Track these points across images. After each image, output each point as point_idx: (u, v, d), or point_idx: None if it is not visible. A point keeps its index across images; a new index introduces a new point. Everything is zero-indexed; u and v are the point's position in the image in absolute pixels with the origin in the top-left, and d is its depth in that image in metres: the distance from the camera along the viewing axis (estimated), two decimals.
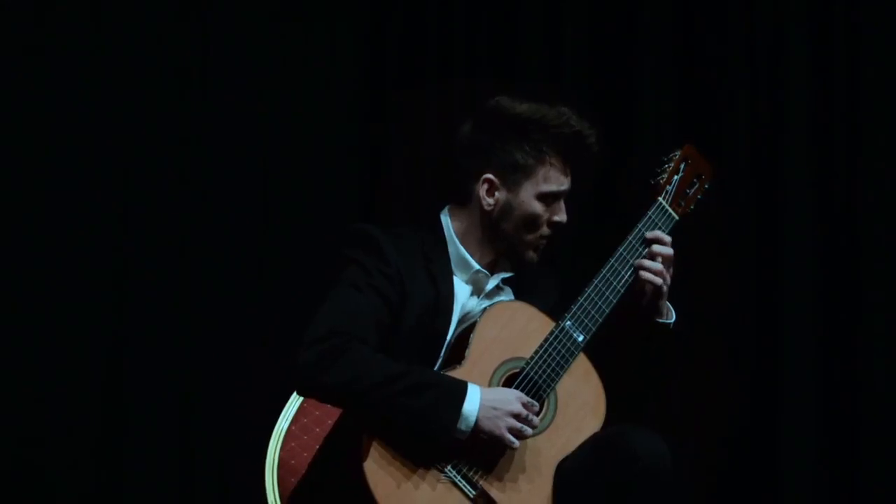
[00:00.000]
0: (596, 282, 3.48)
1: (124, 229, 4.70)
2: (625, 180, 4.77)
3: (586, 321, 3.45)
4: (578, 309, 3.46)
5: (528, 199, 3.49)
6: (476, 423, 3.29)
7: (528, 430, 3.34)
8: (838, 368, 4.90)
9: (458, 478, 3.32)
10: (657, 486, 3.29)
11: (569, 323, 3.45)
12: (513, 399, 3.34)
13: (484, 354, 3.41)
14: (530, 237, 3.52)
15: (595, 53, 4.97)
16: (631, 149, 4.89)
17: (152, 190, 4.71)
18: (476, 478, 3.33)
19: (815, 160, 4.93)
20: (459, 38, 4.95)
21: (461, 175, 3.54)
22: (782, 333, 4.91)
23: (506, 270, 3.57)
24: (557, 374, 3.41)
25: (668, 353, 3.58)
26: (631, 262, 3.51)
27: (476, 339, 3.42)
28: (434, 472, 3.31)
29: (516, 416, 3.32)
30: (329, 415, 3.60)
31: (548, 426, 3.40)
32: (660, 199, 3.58)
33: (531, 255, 3.54)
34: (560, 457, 3.39)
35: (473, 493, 3.32)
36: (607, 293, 3.48)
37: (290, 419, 3.69)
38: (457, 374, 3.37)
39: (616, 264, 3.50)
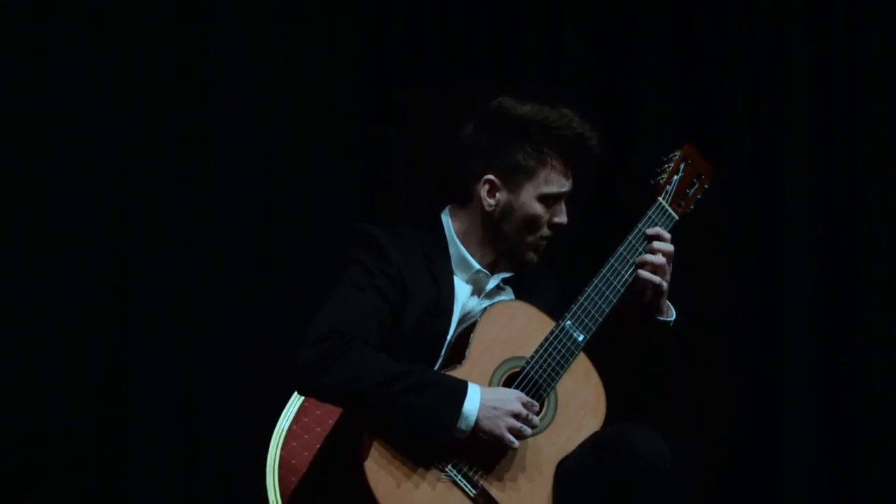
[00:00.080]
0: (596, 281, 3.49)
1: (125, 229, 4.70)
2: (625, 180, 4.77)
3: (586, 321, 3.46)
4: (578, 308, 3.46)
5: (529, 200, 3.49)
6: (476, 422, 3.29)
7: (528, 430, 3.34)
8: (838, 368, 4.90)
9: (459, 477, 3.33)
10: (657, 484, 3.30)
11: (569, 322, 3.45)
12: (513, 399, 3.34)
13: (484, 354, 3.42)
14: (531, 238, 3.52)
15: (595, 53, 4.97)
16: (631, 149, 4.89)
17: (153, 190, 4.71)
18: (476, 477, 3.34)
19: (815, 160, 4.93)
20: (459, 38, 4.95)
21: (462, 175, 3.54)
22: (782, 333, 4.91)
23: (506, 270, 3.57)
24: (558, 374, 3.42)
25: (668, 352, 3.58)
26: (631, 261, 3.51)
27: (476, 339, 3.42)
28: (434, 472, 3.31)
29: (516, 416, 3.32)
30: (330, 414, 3.60)
31: (548, 425, 3.41)
32: (660, 199, 3.58)
33: (531, 255, 3.54)
34: (560, 456, 3.39)
35: (474, 492, 3.33)
36: (607, 293, 3.49)
37: (291, 418, 3.69)
38: (457, 373, 3.37)
39: (616, 264, 3.51)
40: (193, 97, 4.75)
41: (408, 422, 3.28)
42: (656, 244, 3.52)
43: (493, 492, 3.33)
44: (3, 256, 4.60)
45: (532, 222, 3.50)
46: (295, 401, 3.69)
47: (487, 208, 3.50)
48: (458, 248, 3.53)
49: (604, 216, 4.77)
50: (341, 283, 3.43)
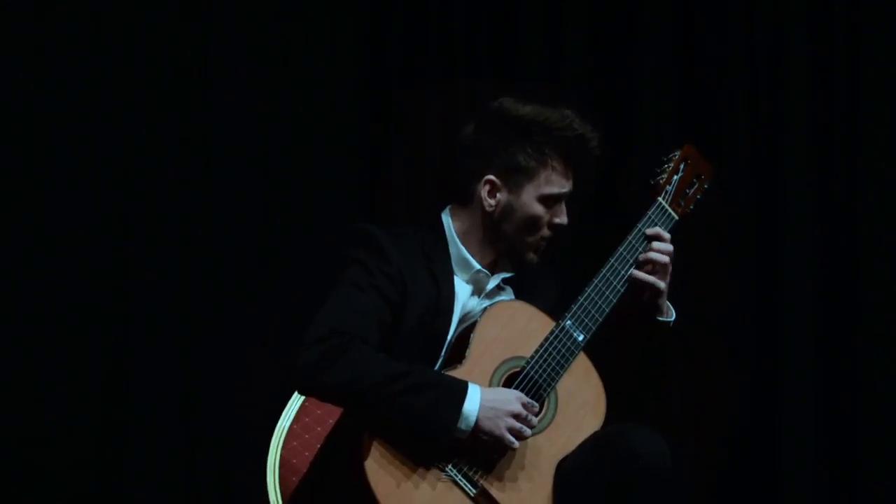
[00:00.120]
0: (596, 281, 3.49)
1: (125, 229, 4.70)
2: (625, 180, 4.77)
3: (586, 320, 3.46)
4: (579, 308, 3.46)
5: (529, 200, 3.50)
6: (476, 422, 3.29)
7: (528, 431, 3.34)
8: (838, 368, 4.90)
9: (459, 477, 3.33)
10: (657, 484, 3.30)
11: (569, 322, 3.45)
12: (513, 399, 3.34)
13: (484, 354, 3.42)
14: (531, 238, 3.52)
15: (595, 53, 4.97)
16: (631, 149, 4.89)
17: (153, 190, 4.71)
18: (476, 477, 3.34)
19: (815, 160, 4.93)
20: (459, 38, 4.95)
21: (463, 175, 3.54)
22: (782, 333, 4.91)
23: (506, 270, 3.57)
24: (558, 374, 3.42)
25: (668, 352, 3.58)
26: (631, 261, 3.51)
27: (476, 339, 3.42)
28: (435, 472, 3.31)
29: (516, 417, 3.32)
30: (330, 414, 3.61)
31: (548, 425, 3.41)
32: (659, 199, 3.59)
33: (531, 256, 3.55)
34: (560, 455, 3.39)
35: (474, 491, 3.33)
36: (607, 292, 3.49)
37: (291, 418, 3.69)
38: (457, 373, 3.37)
39: (616, 264, 3.51)
40: (193, 97, 4.75)
41: (408, 422, 3.28)
42: (655, 244, 3.52)
43: (494, 491, 3.33)
44: (4, 256, 4.59)
45: (532, 223, 3.50)
46: (296, 400, 3.70)
47: (488, 208, 3.51)
48: (458, 248, 3.53)
49: (604, 216, 4.77)
50: (341, 283, 3.43)
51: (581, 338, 3.45)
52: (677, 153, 3.66)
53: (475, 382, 3.34)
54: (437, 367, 3.44)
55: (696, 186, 3.65)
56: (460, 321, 3.51)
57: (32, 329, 4.60)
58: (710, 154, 3.72)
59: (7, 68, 4.62)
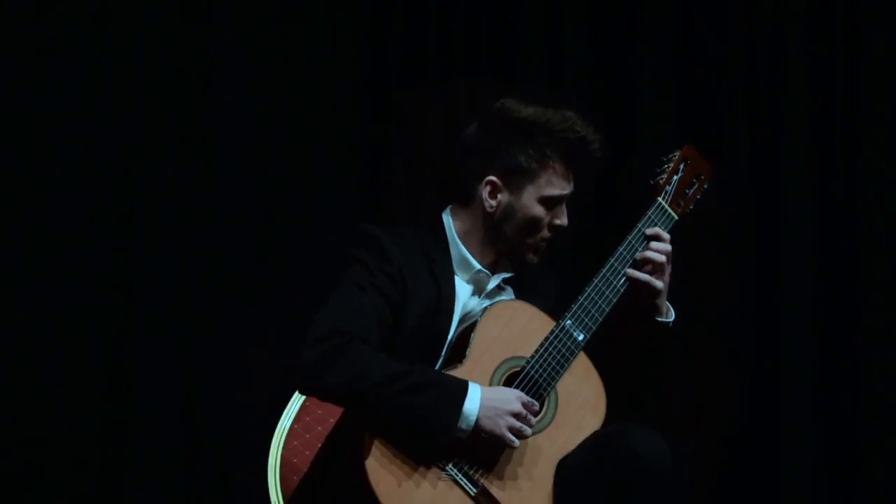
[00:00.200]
0: (596, 281, 3.49)
1: (125, 229, 4.70)
2: (625, 180, 4.77)
3: (586, 320, 3.46)
4: (579, 308, 3.46)
5: (530, 202, 3.50)
6: (476, 422, 3.30)
7: (528, 430, 3.34)
8: (838, 368, 4.90)
9: (459, 476, 3.33)
10: (658, 483, 3.30)
11: (569, 322, 3.45)
12: (513, 398, 3.34)
13: (485, 353, 3.42)
14: (531, 239, 3.53)
15: (595, 53, 4.97)
16: (631, 149, 4.89)
17: (153, 190, 4.70)
18: (477, 476, 3.34)
19: (815, 160, 4.93)
20: (460, 38, 4.94)
21: (464, 176, 3.55)
22: (782, 333, 4.91)
23: (507, 271, 3.58)
24: (558, 373, 3.42)
25: (668, 352, 3.58)
26: (631, 261, 3.52)
27: (477, 339, 3.42)
28: (435, 471, 3.32)
29: (516, 416, 3.33)
30: (331, 413, 3.61)
31: (548, 424, 3.41)
32: (659, 199, 3.59)
33: (531, 256, 3.55)
34: (560, 455, 3.39)
35: (474, 491, 3.33)
36: (607, 292, 3.49)
37: (292, 417, 3.69)
38: (458, 373, 3.37)
39: (616, 264, 3.51)
40: (194, 97, 4.75)
41: (408, 421, 3.28)
42: (654, 244, 3.52)
43: (494, 490, 3.34)
44: (4, 256, 4.59)
45: (533, 224, 3.51)
46: (296, 400, 3.70)
47: (489, 209, 3.51)
48: (458, 248, 3.54)
49: (604, 216, 4.77)
50: (342, 283, 3.43)
51: (581, 337, 3.45)
52: (677, 153, 3.66)
53: (475, 382, 3.34)
54: (437, 367, 3.44)
55: (695, 186, 3.66)
56: (461, 321, 3.51)
57: (33, 329, 4.60)
58: (710, 154, 3.72)
59: (7, 68, 4.62)
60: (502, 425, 3.31)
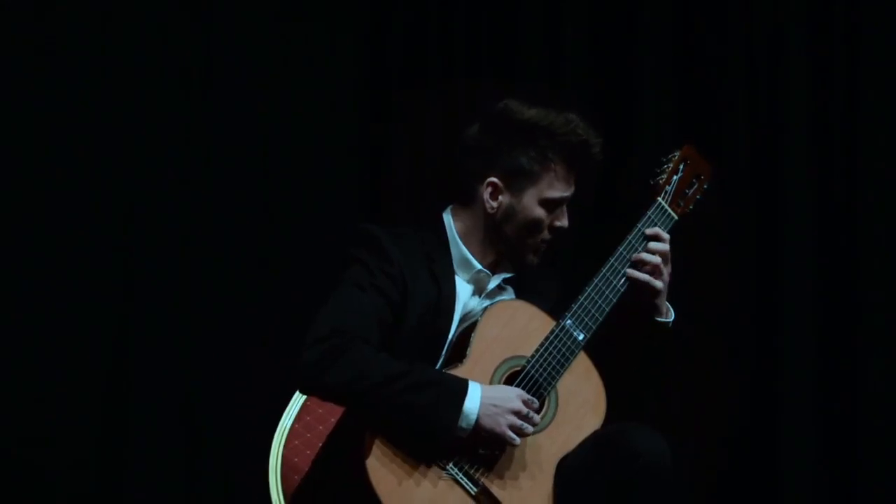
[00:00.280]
0: (596, 281, 3.50)
1: (125, 229, 4.70)
2: (625, 180, 4.77)
3: (587, 320, 3.46)
4: (579, 308, 3.47)
5: (530, 204, 3.50)
6: (477, 420, 3.30)
7: (529, 428, 3.34)
8: (838, 368, 4.90)
9: (460, 475, 3.33)
10: (658, 483, 3.30)
11: (569, 321, 3.45)
12: (513, 396, 3.34)
13: (485, 353, 3.42)
14: (531, 241, 3.53)
15: (595, 53, 4.97)
16: (631, 149, 4.89)
17: (153, 190, 4.70)
18: (477, 475, 3.34)
19: (815, 160, 4.93)
20: (460, 38, 4.94)
21: (465, 176, 3.55)
22: (782, 333, 4.91)
23: (507, 271, 3.58)
24: (558, 373, 3.42)
25: (668, 352, 3.59)
26: (630, 261, 3.52)
27: (477, 338, 3.43)
28: (436, 470, 3.32)
29: (517, 414, 3.33)
30: (332, 412, 3.61)
31: (548, 424, 3.41)
32: (659, 199, 3.59)
33: (531, 257, 3.56)
34: (561, 454, 3.40)
35: (475, 490, 3.33)
36: (607, 292, 3.49)
37: (293, 417, 3.69)
38: (458, 372, 3.38)
39: (616, 263, 3.52)
40: (194, 97, 4.75)
41: (409, 421, 3.29)
42: (652, 244, 3.53)
43: (494, 489, 3.34)
44: (4, 256, 4.59)
45: (533, 226, 3.51)
46: (297, 399, 3.70)
47: (489, 210, 3.51)
48: (459, 248, 3.54)
49: (604, 216, 4.77)
50: (343, 283, 3.44)
51: (581, 337, 3.45)
52: (677, 153, 3.67)
53: (476, 381, 3.34)
54: (437, 367, 3.44)
55: (695, 186, 3.66)
56: (461, 321, 3.51)
57: (33, 329, 4.59)
58: (710, 154, 3.73)
59: (8, 68, 4.62)
60: (503, 423, 3.31)
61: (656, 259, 3.51)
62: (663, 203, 3.59)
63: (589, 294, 3.48)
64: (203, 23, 4.76)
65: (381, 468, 3.27)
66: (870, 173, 4.90)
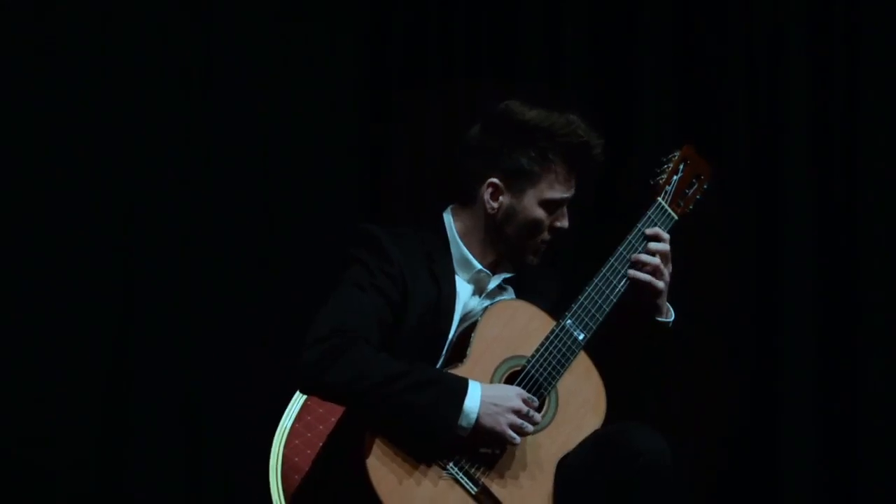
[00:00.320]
0: (596, 281, 3.50)
1: (125, 229, 4.70)
2: (625, 180, 4.77)
3: (587, 320, 3.46)
4: (579, 307, 3.47)
5: (531, 205, 3.51)
6: (477, 419, 3.30)
7: (529, 427, 3.35)
8: (838, 368, 4.90)
9: (460, 475, 3.33)
10: (658, 482, 3.30)
11: (569, 321, 3.45)
12: (513, 395, 3.34)
13: (485, 353, 3.42)
14: (531, 242, 3.54)
15: (595, 53, 4.97)
16: (631, 149, 4.89)
17: (153, 190, 4.70)
18: (478, 474, 3.34)
19: (815, 160, 4.93)
20: (460, 38, 4.94)
21: (466, 176, 3.55)
22: (782, 333, 4.91)
23: (507, 271, 3.58)
24: (558, 372, 3.42)
25: (668, 352, 3.59)
26: (630, 261, 3.52)
27: (477, 338, 3.43)
28: (436, 469, 3.32)
29: (517, 413, 3.33)
30: (333, 412, 3.61)
31: (549, 423, 3.41)
32: (659, 199, 3.60)
33: (531, 258, 3.56)
34: (561, 454, 3.40)
35: (475, 489, 3.33)
36: (607, 292, 3.49)
37: (293, 417, 3.70)
38: (458, 372, 3.38)
39: (616, 263, 3.52)
40: (194, 97, 4.75)
41: (409, 420, 3.29)
42: (652, 245, 3.53)
43: (495, 489, 3.34)
44: (5, 256, 4.59)
45: (533, 226, 3.51)
46: (298, 399, 3.70)
47: (490, 211, 3.51)
48: (459, 248, 3.54)
49: (604, 216, 4.77)
50: (343, 283, 3.44)
51: (581, 337, 3.45)
52: (677, 153, 3.67)
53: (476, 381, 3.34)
54: (438, 367, 3.44)
55: (695, 187, 3.67)
56: (461, 321, 3.51)
57: (33, 328, 4.59)
58: (710, 154, 3.73)
59: (7, 68, 4.62)
60: (503, 422, 3.31)
61: (656, 259, 3.51)
62: (663, 203, 3.59)
63: (589, 294, 3.48)
64: (203, 23, 4.77)
65: (381, 467, 3.27)
66: (870, 173, 4.90)
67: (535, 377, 3.41)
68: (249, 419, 4.39)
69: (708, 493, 4.85)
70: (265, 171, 4.81)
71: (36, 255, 4.61)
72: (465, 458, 3.34)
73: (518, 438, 3.33)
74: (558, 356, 3.43)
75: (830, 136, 4.93)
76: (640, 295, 3.53)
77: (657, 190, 3.61)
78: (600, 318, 3.47)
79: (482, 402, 3.30)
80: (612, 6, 4.97)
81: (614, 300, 3.49)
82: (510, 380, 3.41)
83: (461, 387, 3.31)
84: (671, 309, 3.57)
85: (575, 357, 3.44)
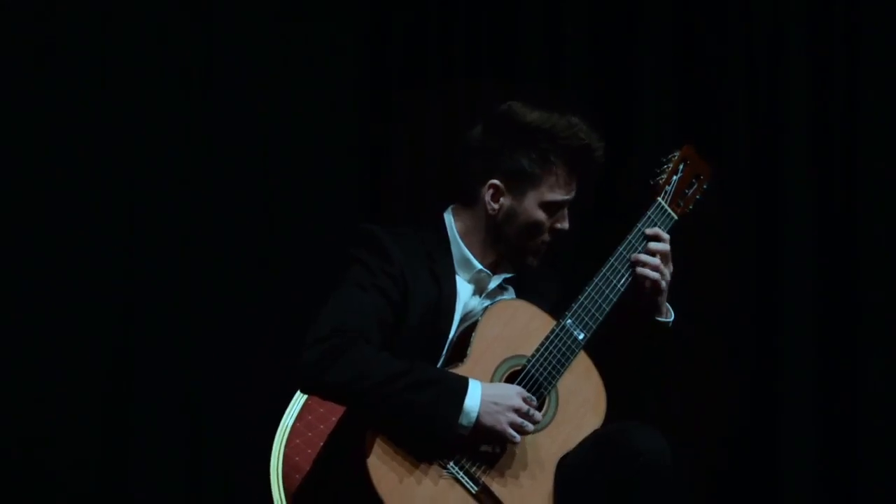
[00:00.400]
0: (596, 280, 3.50)
1: (126, 229, 4.70)
2: (625, 180, 4.77)
3: (587, 319, 3.46)
4: (579, 307, 3.47)
5: (531, 206, 3.50)
6: (477, 418, 3.30)
7: (530, 426, 3.35)
8: (838, 368, 4.90)
9: (461, 474, 3.33)
10: (658, 482, 3.30)
11: (570, 321, 3.46)
12: (513, 394, 3.34)
13: (485, 352, 3.42)
14: (531, 243, 3.53)
15: (595, 53, 4.97)
16: (631, 149, 4.89)
17: (153, 190, 4.71)
18: (478, 473, 3.34)
19: (815, 160, 4.93)
20: (460, 38, 4.94)
21: (467, 177, 3.55)
22: (782, 333, 4.91)
23: (508, 271, 3.58)
24: (558, 372, 3.43)
25: (668, 352, 3.59)
26: (630, 261, 3.53)
27: (478, 338, 3.43)
28: (436, 468, 3.32)
29: (517, 411, 3.33)
30: (333, 411, 3.61)
31: (549, 423, 3.41)
32: (659, 199, 3.60)
33: (531, 259, 3.56)
34: (561, 453, 3.40)
35: (475, 488, 3.33)
36: (607, 292, 3.50)
37: (294, 416, 3.70)
38: (459, 372, 3.38)
39: (616, 263, 3.52)
40: (194, 97, 4.76)
41: (409, 419, 3.29)
42: (652, 244, 3.53)
43: (495, 488, 3.34)
44: (5, 256, 4.60)
45: (534, 228, 3.51)
46: (299, 399, 3.70)
47: (490, 212, 3.51)
48: (460, 248, 3.54)
49: (604, 216, 4.77)
50: (343, 283, 3.44)
51: (581, 336, 3.46)
52: (676, 153, 3.67)
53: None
54: (438, 367, 3.44)
55: (695, 187, 3.67)
56: (462, 321, 3.51)
57: (34, 328, 4.60)
58: (710, 154, 3.73)
59: (7, 68, 4.62)
60: (503, 421, 3.31)
61: (656, 259, 3.51)
62: (663, 203, 3.59)
63: (589, 294, 3.48)
64: (203, 23, 4.77)
65: (382, 467, 3.27)
66: (870, 173, 4.90)
67: (536, 377, 3.41)
68: (250, 419, 4.39)
69: (708, 493, 4.85)
70: (265, 171, 4.81)
71: (36, 254, 4.61)
72: (466, 457, 3.34)
73: (518, 437, 3.33)
74: (558, 356, 3.43)
75: (830, 136, 4.93)
76: (641, 295, 3.53)
77: (657, 190, 3.61)
78: (600, 318, 3.47)
79: (483, 401, 3.31)
80: (612, 6, 4.97)
81: (614, 300, 3.49)
82: (510, 379, 3.42)
83: (462, 386, 3.31)
84: (671, 309, 3.57)
85: (575, 357, 3.44)
